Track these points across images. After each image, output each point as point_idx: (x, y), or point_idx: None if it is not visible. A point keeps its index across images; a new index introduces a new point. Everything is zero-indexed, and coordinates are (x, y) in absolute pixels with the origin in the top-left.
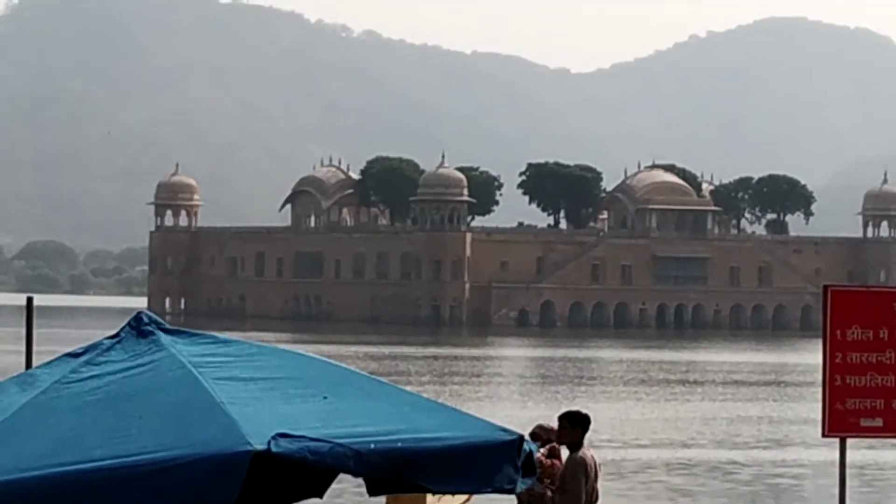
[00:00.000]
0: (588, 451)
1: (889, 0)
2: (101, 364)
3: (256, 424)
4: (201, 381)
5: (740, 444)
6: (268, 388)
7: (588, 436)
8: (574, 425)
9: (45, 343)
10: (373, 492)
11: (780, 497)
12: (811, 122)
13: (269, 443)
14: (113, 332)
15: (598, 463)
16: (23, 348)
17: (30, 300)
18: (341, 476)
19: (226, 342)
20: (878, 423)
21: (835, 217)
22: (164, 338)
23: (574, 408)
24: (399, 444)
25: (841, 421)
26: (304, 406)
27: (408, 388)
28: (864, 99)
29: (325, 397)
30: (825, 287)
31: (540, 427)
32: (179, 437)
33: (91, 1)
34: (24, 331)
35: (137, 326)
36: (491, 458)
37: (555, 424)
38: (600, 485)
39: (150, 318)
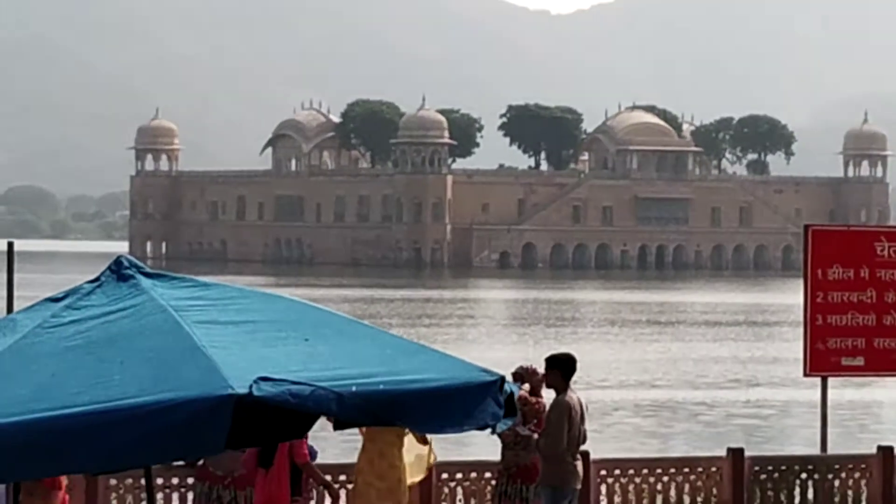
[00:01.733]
0: (573, 395)
1: None
2: (82, 308)
3: (238, 368)
4: (182, 325)
5: (716, 385)
6: (249, 332)
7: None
8: (555, 367)
9: (26, 288)
10: (338, 426)
11: (752, 436)
12: (791, 62)
13: (250, 386)
14: (93, 277)
15: (584, 405)
16: (4, 293)
17: (10, 245)
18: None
19: (206, 286)
20: (860, 362)
21: (815, 157)
22: (145, 281)
23: (560, 350)
24: (381, 387)
25: (822, 360)
26: (285, 349)
27: (389, 330)
28: (843, 38)
29: (305, 340)
30: (806, 227)
31: (522, 368)
32: (161, 381)
33: None
34: (4, 276)
35: (118, 270)
36: (473, 398)
37: (536, 366)
38: (588, 426)
39: (130, 261)
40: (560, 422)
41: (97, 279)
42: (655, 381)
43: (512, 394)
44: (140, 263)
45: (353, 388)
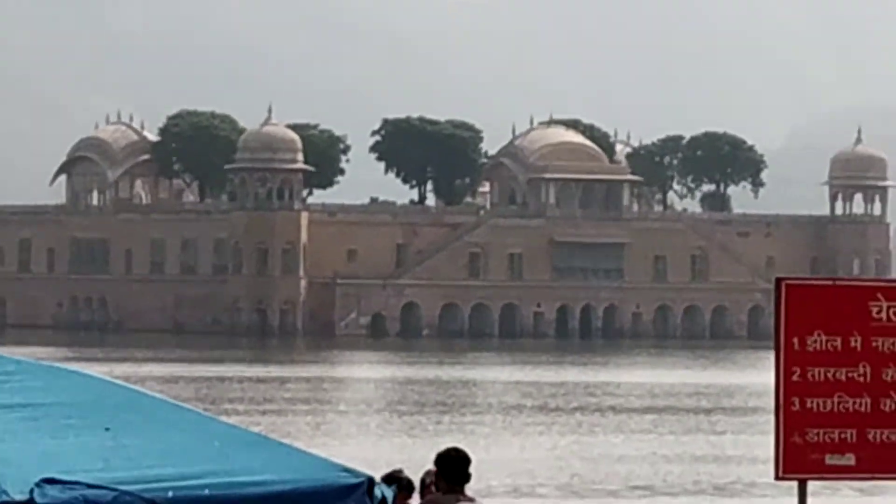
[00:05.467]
0: (446, 498)
1: None
2: None
3: (14, 467)
4: None
5: (667, 490)
6: (29, 418)
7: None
8: (436, 465)
9: None
10: None
11: None
12: (763, 65)
13: (31, 491)
14: None
15: None
16: None
17: None
18: None
19: None
20: (849, 460)
21: (793, 188)
22: None
23: (447, 445)
24: (206, 492)
25: (800, 458)
26: (79, 441)
27: (222, 418)
28: (831, 35)
29: (106, 429)
30: (778, 280)
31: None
32: None
33: None
34: None
35: None
36: None
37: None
38: None
39: None
40: None
41: None
42: (596, 486)
43: (384, 500)
44: None
45: (170, 494)
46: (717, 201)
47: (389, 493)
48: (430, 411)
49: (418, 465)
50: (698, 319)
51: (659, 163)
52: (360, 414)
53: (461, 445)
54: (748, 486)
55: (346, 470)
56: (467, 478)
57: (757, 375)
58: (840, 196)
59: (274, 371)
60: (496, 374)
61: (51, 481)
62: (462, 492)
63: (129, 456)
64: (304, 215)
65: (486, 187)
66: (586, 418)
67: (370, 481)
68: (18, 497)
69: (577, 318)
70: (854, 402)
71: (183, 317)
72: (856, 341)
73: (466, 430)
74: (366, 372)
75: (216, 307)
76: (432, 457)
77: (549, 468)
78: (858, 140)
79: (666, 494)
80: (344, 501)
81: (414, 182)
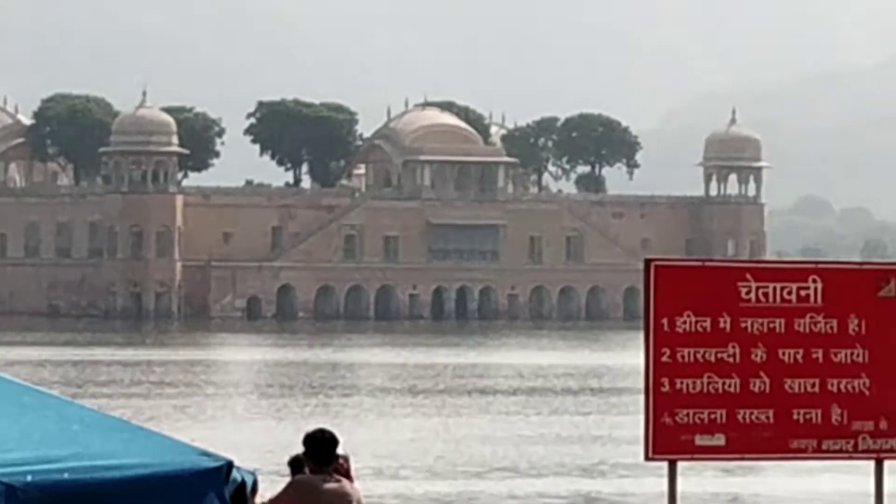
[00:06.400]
0: (334, 483)
1: None
2: None
3: None
4: None
5: (539, 472)
6: None
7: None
8: (304, 447)
9: None
10: None
11: None
12: (637, 47)
13: None
14: None
15: (355, 499)
16: None
17: None
18: None
19: None
20: (719, 440)
21: (667, 170)
22: None
23: (316, 427)
24: (65, 476)
25: (670, 439)
26: None
27: (89, 403)
28: (704, 17)
29: None
30: (647, 262)
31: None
32: None
33: None
34: None
35: None
36: (188, 490)
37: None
38: None
39: None
40: (277, 499)
41: None
42: (471, 468)
43: (244, 483)
44: None
45: (29, 479)
46: (591, 182)
47: (249, 477)
48: (298, 394)
49: (283, 447)
50: (574, 301)
51: (534, 144)
52: (227, 397)
53: (328, 427)
54: (613, 467)
55: (205, 454)
56: (334, 458)
57: (628, 356)
58: (714, 177)
59: (144, 354)
60: (367, 356)
61: None
62: (329, 472)
63: None
64: (179, 198)
65: (361, 170)
66: (453, 400)
67: (229, 465)
68: None
69: (453, 299)
70: (723, 383)
71: (58, 300)
72: (725, 322)
73: (332, 413)
74: (238, 355)
75: (91, 291)
76: (299, 439)
77: (414, 450)
78: (733, 121)
79: (530, 476)
80: (203, 485)
81: (289, 164)
